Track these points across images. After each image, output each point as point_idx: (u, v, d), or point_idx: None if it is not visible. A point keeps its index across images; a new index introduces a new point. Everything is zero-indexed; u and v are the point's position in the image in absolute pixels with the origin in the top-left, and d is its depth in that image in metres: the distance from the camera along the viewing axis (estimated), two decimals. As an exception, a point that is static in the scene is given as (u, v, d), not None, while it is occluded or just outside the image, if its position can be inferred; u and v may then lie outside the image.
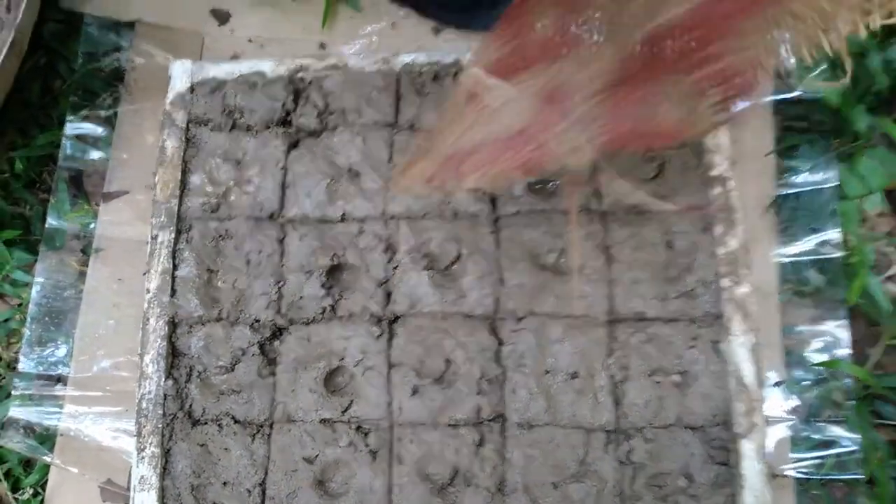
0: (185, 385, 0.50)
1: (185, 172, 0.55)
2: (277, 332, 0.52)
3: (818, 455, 0.53)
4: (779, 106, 0.57)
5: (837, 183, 0.56)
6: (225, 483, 0.48)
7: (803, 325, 0.55)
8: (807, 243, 0.56)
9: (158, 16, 0.63)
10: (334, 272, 0.53)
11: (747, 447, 0.47)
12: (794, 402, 0.53)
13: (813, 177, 0.56)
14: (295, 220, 0.54)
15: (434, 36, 0.63)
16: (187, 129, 0.56)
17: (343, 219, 0.54)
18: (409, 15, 0.63)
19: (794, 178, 0.57)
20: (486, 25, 0.48)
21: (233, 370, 0.51)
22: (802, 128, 0.58)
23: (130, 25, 0.63)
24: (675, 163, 0.53)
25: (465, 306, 0.51)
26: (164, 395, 0.50)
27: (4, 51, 0.49)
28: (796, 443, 0.53)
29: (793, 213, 0.56)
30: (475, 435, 0.48)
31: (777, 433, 0.53)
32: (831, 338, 0.55)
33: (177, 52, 0.62)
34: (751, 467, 0.47)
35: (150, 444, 0.49)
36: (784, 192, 0.56)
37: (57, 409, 0.53)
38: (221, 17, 0.64)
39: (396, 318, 0.51)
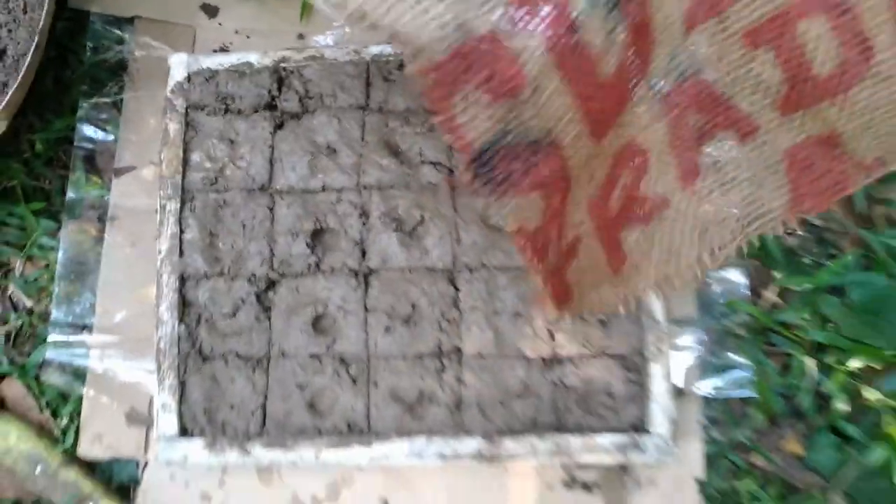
0: (196, 329, 0.60)
1: (186, 151, 0.64)
2: (271, 285, 0.61)
3: (720, 377, 0.64)
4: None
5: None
6: (232, 406, 0.59)
7: (711, 272, 0.66)
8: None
9: (155, 11, 0.71)
10: (317, 234, 0.63)
11: (656, 369, 0.58)
12: (703, 335, 0.65)
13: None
14: (282, 191, 0.63)
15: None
16: (186, 113, 0.65)
17: (323, 189, 0.63)
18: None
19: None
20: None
21: (234, 316, 0.61)
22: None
23: (130, 21, 0.71)
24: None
25: (428, 261, 0.61)
26: (178, 337, 0.60)
27: (31, 51, 0.57)
28: (704, 368, 0.64)
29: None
30: (437, 364, 0.59)
31: (688, 360, 0.64)
32: (734, 282, 0.66)
33: (172, 44, 0.70)
34: (658, 385, 0.58)
35: (169, 376, 0.59)
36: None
37: (85, 352, 0.63)
38: (211, 11, 0.73)
39: (371, 272, 0.62)
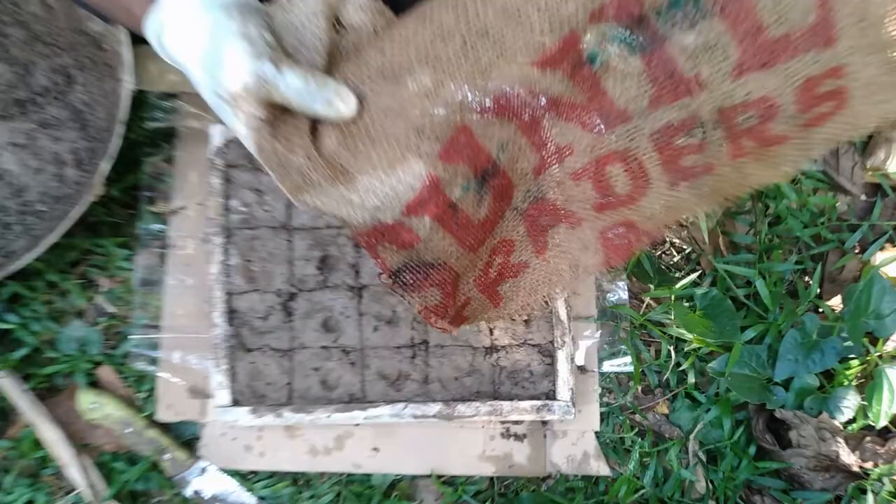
0: (239, 329, 0.85)
1: (226, 198, 0.88)
2: (292, 297, 0.86)
3: (612, 359, 0.90)
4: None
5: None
6: (268, 384, 0.84)
7: (606, 284, 0.92)
8: (613, 232, 0.92)
9: (193, 88, 0.94)
10: (324, 259, 0.87)
11: (560, 354, 0.84)
12: (601, 328, 0.91)
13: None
14: (297, 228, 0.87)
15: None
16: (225, 171, 0.88)
17: (327, 226, 0.87)
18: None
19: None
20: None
21: (267, 319, 0.85)
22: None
23: (175, 95, 0.94)
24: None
25: (404, 279, 0.86)
26: (227, 335, 0.84)
27: (115, 131, 0.80)
28: (600, 352, 0.90)
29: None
30: (410, 352, 0.85)
31: (589, 346, 0.90)
32: (622, 292, 0.91)
33: (207, 111, 0.93)
34: (563, 366, 0.84)
35: (222, 363, 0.84)
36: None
37: (157, 345, 0.88)
38: (237, 84, 0.95)
39: (363, 287, 0.86)
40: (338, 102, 0.50)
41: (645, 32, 0.50)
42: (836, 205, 0.90)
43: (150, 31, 0.52)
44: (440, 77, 0.50)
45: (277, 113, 0.52)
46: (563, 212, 0.60)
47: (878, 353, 0.83)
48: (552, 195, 0.59)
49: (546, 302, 0.64)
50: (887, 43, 0.49)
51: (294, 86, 0.49)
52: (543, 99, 0.53)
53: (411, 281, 0.57)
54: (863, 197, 0.92)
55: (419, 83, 0.50)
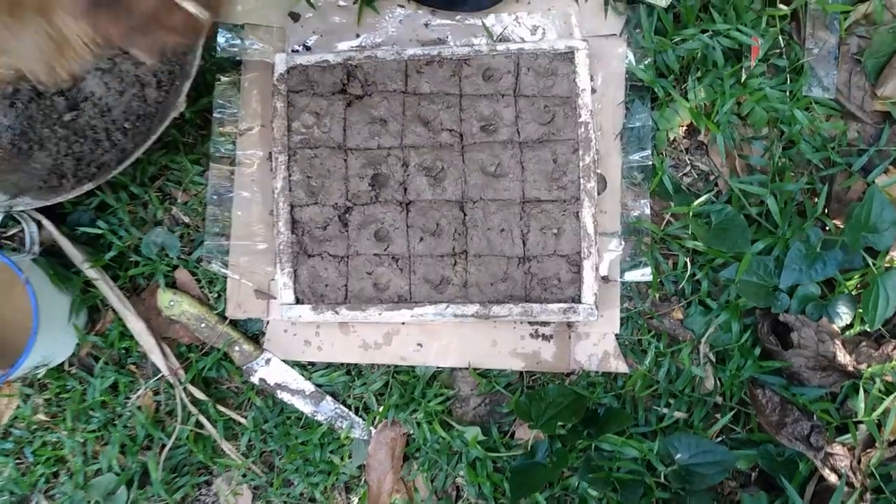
0: (301, 237, 0.96)
1: (289, 121, 0.97)
2: (347, 210, 0.97)
3: (633, 270, 0.99)
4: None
5: (652, 122, 0.99)
6: (326, 285, 0.95)
7: (631, 202, 1.01)
8: (636, 155, 1.01)
9: (257, 19, 1.03)
10: (376, 177, 0.97)
11: (587, 264, 0.94)
12: (623, 242, 1.00)
13: (639, 117, 1.00)
14: (352, 149, 0.97)
15: (425, 28, 1.03)
16: (287, 95, 0.98)
17: (378, 147, 0.97)
18: (407, 10, 1.03)
19: (632, 118, 1.00)
20: (472, 8, 0.90)
21: (325, 229, 0.96)
22: (637, 87, 1.01)
23: (242, 26, 1.03)
24: (560, 114, 0.96)
25: (446, 195, 0.96)
26: (290, 242, 0.95)
27: (197, 57, 0.90)
28: (623, 264, 0.99)
29: (630, 138, 1.00)
30: (452, 260, 0.95)
31: (613, 259, 0.99)
32: (644, 209, 1.00)
33: (270, 42, 1.02)
34: (588, 273, 0.94)
35: (286, 267, 0.95)
36: (628, 126, 1.00)
37: (226, 250, 0.99)
38: (295, 17, 1.04)
39: (410, 203, 0.96)
40: None
41: None
42: (846, 131, 0.98)
43: None
44: None
45: None
46: None
47: (875, 264, 0.91)
48: None
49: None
50: None
51: None
52: None
53: None
54: (872, 124, 0.99)
55: None
